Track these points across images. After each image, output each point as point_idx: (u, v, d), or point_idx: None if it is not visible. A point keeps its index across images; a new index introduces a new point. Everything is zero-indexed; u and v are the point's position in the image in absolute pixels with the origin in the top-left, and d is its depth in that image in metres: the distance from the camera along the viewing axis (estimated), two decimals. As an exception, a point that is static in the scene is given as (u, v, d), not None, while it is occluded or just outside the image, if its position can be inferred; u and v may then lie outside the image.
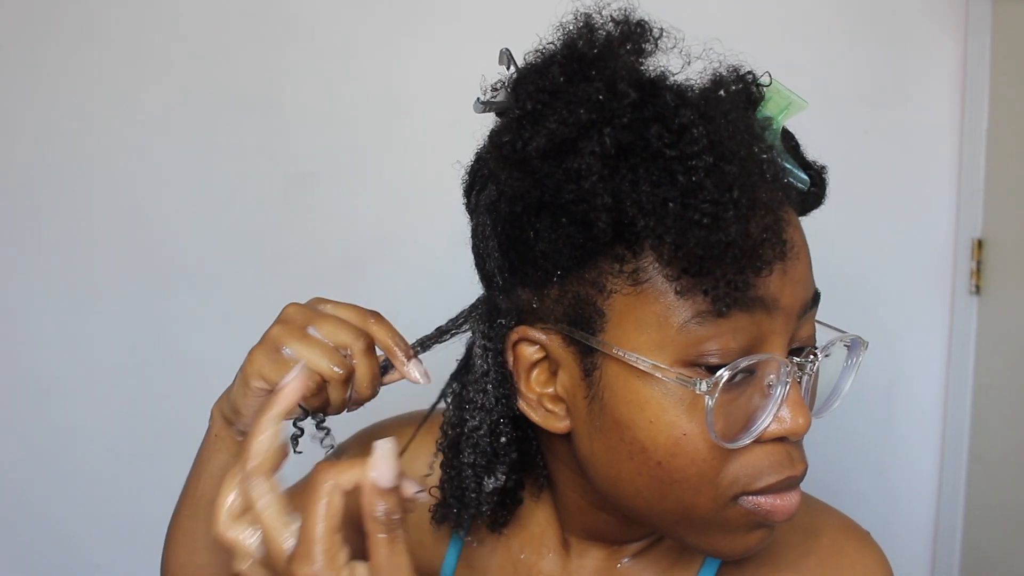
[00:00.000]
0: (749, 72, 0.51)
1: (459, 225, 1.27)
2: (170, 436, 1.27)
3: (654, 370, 0.46)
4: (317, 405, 0.54)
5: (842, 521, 0.61)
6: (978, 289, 1.25)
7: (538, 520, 0.62)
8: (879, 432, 1.31)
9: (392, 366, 0.57)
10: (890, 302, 1.29)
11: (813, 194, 0.53)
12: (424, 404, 0.66)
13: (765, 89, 0.51)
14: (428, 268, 1.25)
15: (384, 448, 0.41)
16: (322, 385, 0.53)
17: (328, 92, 1.23)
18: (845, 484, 1.29)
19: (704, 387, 0.45)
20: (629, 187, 0.44)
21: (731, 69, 0.50)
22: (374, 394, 0.56)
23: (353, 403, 0.56)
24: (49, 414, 1.26)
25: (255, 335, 1.39)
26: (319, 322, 0.54)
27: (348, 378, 0.54)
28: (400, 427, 0.69)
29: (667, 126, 0.44)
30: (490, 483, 0.55)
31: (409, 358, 0.55)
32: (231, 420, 0.58)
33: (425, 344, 0.58)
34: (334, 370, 0.53)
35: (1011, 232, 1.20)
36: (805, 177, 0.52)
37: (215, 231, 1.24)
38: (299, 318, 0.54)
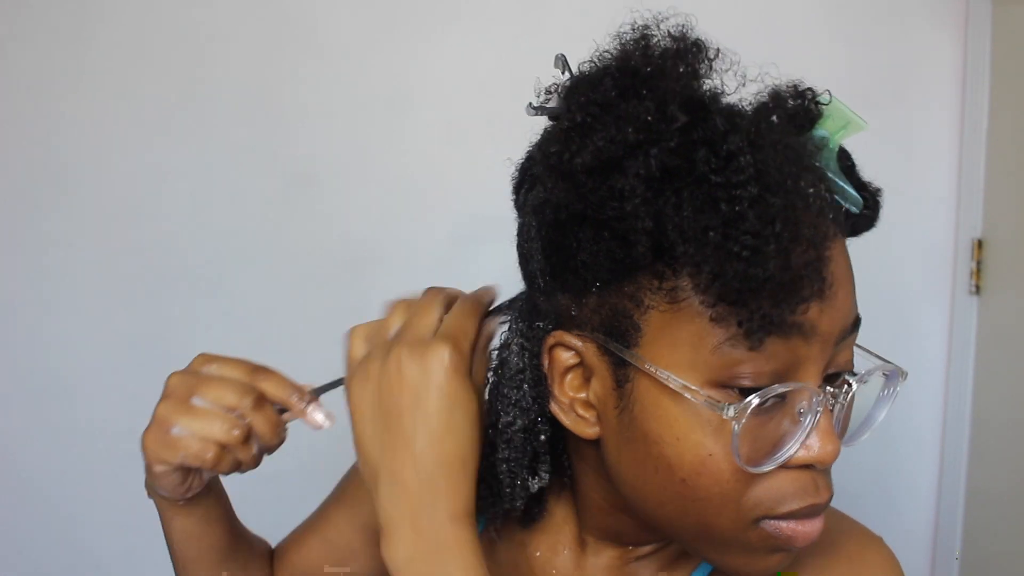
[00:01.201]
0: (809, 89, 0.50)
1: (459, 225, 1.28)
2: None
3: (684, 390, 0.46)
4: (228, 469, 0.54)
5: (856, 527, 0.62)
6: (978, 289, 1.25)
7: (555, 519, 0.62)
8: (879, 431, 1.31)
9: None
10: (890, 302, 1.30)
11: (865, 217, 0.52)
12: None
13: (824, 107, 0.51)
14: (428, 268, 1.25)
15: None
16: (225, 451, 0.53)
17: (329, 92, 1.23)
18: (845, 484, 1.28)
19: (732, 412, 0.45)
20: (672, 210, 0.43)
21: (790, 85, 0.50)
22: (281, 440, 0.56)
23: (266, 451, 0.56)
24: (49, 414, 1.26)
25: (255, 335, 1.40)
26: (202, 389, 0.53)
27: (248, 436, 0.54)
28: None
29: (715, 151, 0.43)
30: (535, 483, 0.55)
31: (308, 403, 0.55)
32: (162, 495, 0.58)
33: (322, 390, 0.57)
34: (231, 434, 0.52)
35: (1011, 232, 1.21)
36: (859, 198, 0.51)
37: (215, 231, 1.24)
38: (181, 389, 0.54)
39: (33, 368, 1.25)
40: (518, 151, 0.57)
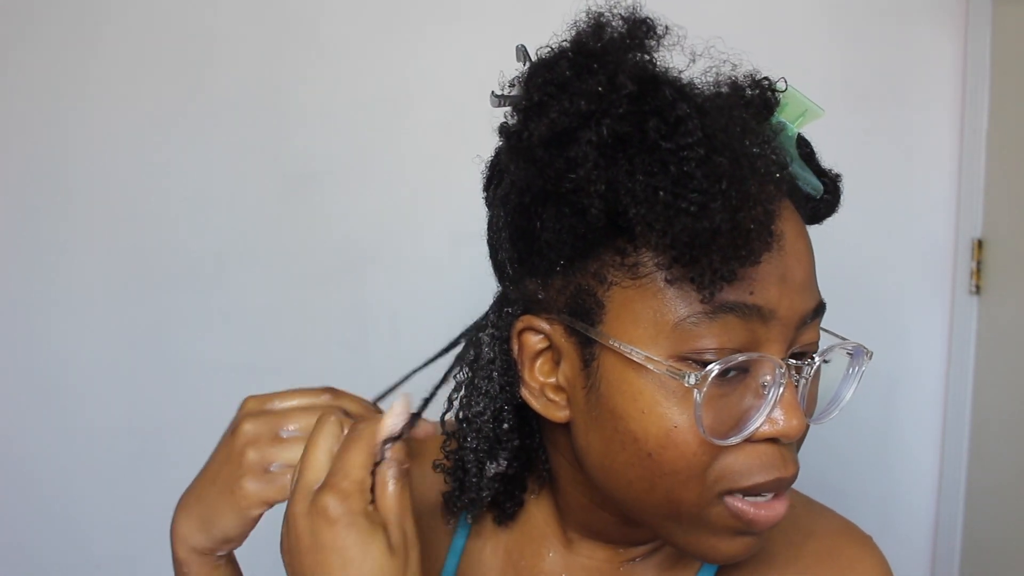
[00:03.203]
0: (765, 78, 0.52)
1: (459, 225, 1.28)
2: (170, 435, 1.27)
3: (647, 362, 0.47)
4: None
5: (843, 524, 0.62)
6: (978, 289, 1.25)
7: (536, 522, 0.62)
8: (879, 432, 1.32)
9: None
10: (890, 302, 1.30)
11: (826, 202, 0.54)
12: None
13: (781, 95, 0.52)
14: (428, 268, 1.26)
15: (401, 403, 0.49)
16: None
17: (329, 92, 1.24)
18: (846, 483, 1.29)
19: (693, 380, 0.46)
20: (625, 177, 0.45)
21: (747, 75, 0.51)
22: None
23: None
24: (49, 413, 1.26)
25: (255, 335, 1.39)
26: (284, 420, 0.53)
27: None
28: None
29: (664, 119, 0.45)
30: (491, 467, 0.56)
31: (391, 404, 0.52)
32: (212, 549, 0.55)
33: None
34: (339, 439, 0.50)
35: (1011, 232, 1.20)
36: (818, 184, 0.52)
37: (215, 231, 1.24)
38: (264, 428, 0.53)
39: (33, 367, 1.25)
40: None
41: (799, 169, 0.52)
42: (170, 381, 1.26)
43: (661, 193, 0.44)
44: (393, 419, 0.49)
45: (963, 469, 1.28)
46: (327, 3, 1.22)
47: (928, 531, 1.33)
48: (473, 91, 1.22)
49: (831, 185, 0.54)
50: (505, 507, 0.62)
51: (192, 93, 1.22)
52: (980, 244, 1.24)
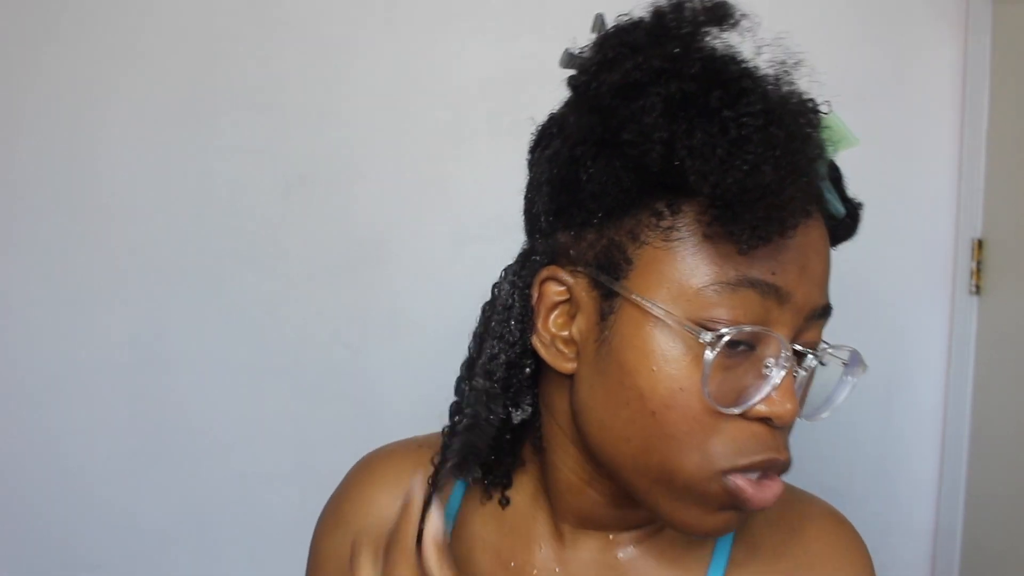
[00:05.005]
0: (811, 99, 0.54)
1: (460, 225, 1.28)
2: (169, 436, 1.27)
3: (666, 316, 0.50)
4: None
5: (820, 506, 0.64)
6: (978, 289, 1.25)
7: (526, 519, 0.62)
8: (879, 432, 1.31)
9: None
10: (890, 302, 1.30)
11: (845, 225, 0.57)
12: (432, 420, 0.65)
13: (822, 118, 0.54)
14: (429, 268, 1.25)
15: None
16: None
17: (328, 92, 1.24)
18: (845, 484, 1.29)
19: (708, 338, 0.48)
20: (684, 135, 0.47)
21: (796, 92, 0.54)
22: None
23: None
24: (48, 413, 1.26)
25: (255, 335, 1.39)
26: None
27: None
28: (408, 451, 0.69)
29: (728, 91, 0.48)
30: (517, 415, 0.58)
31: None
32: None
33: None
34: None
35: (1011, 232, 1.20)
36: (841, 209, 0.55)
37: (215, 231, 1.24)
38: None
39: (29, 369, 1.25)
40: (519, 148, 0.61)
41: (826, 191, 0.55)
42: (168, 382, 1.26)
43: (718, 150, 0.46)
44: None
45: (963, 470, 1.28)
46: (326, 4, 1.22)
47: (928, 532, 1.33)
48: (475, 90, 1.23)
49: (852, 212, 0.57)
50: (498, 468, 0.62)
51: (193, 93, 1.22)
52: (980, 244, 1.24)
